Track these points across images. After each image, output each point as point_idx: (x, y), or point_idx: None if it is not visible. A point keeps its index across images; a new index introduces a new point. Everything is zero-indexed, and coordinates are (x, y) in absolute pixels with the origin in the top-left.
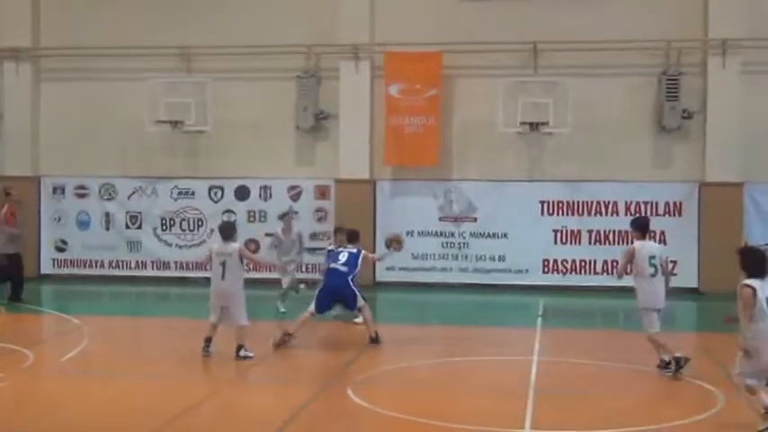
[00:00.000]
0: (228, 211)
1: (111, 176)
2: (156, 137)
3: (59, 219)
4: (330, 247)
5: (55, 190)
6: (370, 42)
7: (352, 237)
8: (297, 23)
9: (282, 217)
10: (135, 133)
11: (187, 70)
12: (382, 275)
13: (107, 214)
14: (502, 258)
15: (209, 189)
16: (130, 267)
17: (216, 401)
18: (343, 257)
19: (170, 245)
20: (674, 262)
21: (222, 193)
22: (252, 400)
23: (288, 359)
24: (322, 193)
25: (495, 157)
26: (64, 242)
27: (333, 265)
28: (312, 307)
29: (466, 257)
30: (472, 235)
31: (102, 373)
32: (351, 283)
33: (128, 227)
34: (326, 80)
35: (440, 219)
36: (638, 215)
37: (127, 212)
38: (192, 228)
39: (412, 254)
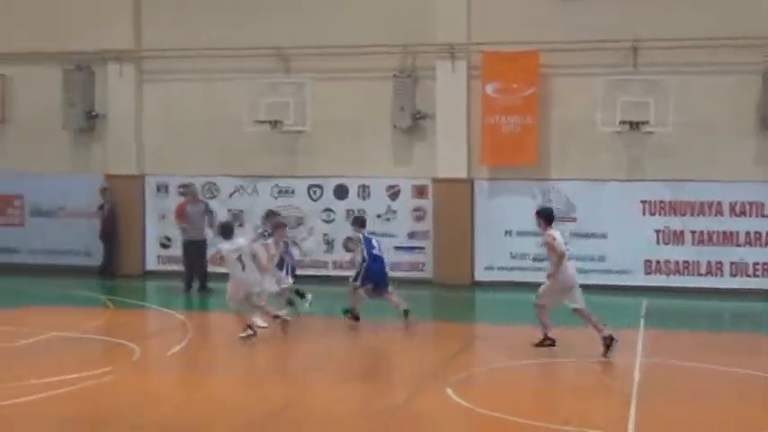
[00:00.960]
0: (328, 209)
1: (213, 175)
2: (255, 136)
3: (163, 216)
4: (360, 234)
5: (159, 188)
6: (467, 42)
7: (364, 223)
8: (393, 23)
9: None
10: (235, 133)
11: (286, 70)
12: (481, 275)
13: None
14: (602, 259)
15: (309, 188)
16: None
17: (307, 400)
18: (376, 244)
19: None
20: None
21: (321, 192)
22: (347, 400)
23: (377, 358)
24: (420, 192)
25: (594, 156)
26: (168, 239)
27: (376, 252)
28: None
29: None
30: (572, 234)
31: (203, 368)
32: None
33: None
34: (423, 80)
35: None
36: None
37: (229, 210)
38: (292, 226)
39: (510, 253)
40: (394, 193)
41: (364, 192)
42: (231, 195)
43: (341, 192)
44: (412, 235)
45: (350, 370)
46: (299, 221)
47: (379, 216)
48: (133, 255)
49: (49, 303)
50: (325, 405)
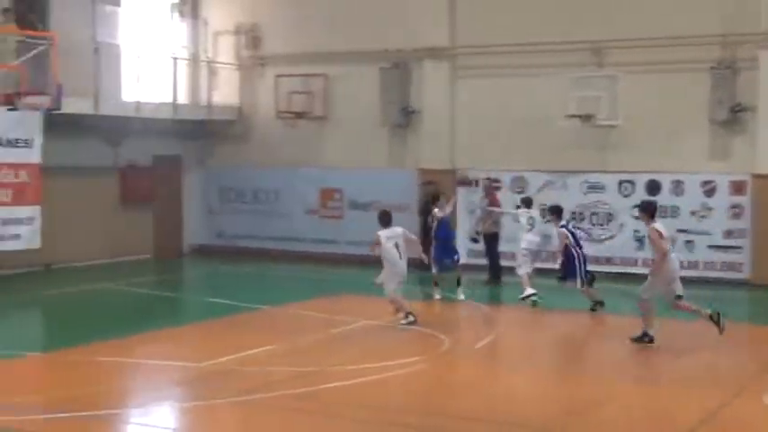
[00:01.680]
0: (638, 206)
1: (522, 170)
2: (566, 131)
3: (473, 211)
4: (440, 215)
5: (469, 183)
6: None
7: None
8: (711, 12)
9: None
10: (545, 128)
11: (598, 64)
12: None
13: (518, 207)
14: None
15: (619, 183)
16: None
17: (621, 399)
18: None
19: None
20: None
21: (632, 188)
22: (654, 402)
23: (689, 362)
24: (738, 188)
25: None
26: (478, 233)
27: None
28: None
29: None
30: None
31: (510, 363)
32: None
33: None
34: (744, 71)
35: None
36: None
37: (540, 205)
38: (601, 222)
39: None
40: (710, 190)
41: (678, 188)
42: (540, 190)
43: (652, 187)
44: (728, 233)
45: (659, 372)
46: (609, 218)
47: (693, 213)
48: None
49: (364, 292)
50: (629, 406)
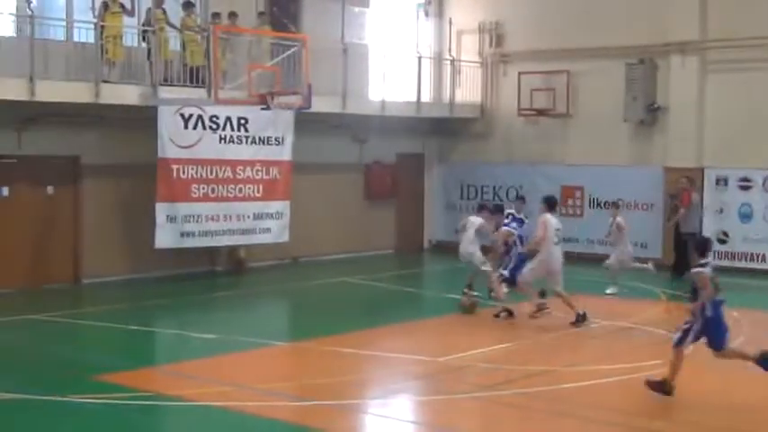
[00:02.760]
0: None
1: None
2: None
3: (721, 210)
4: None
5: (718, 181)
6: None
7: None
8: None
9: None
10: None
11: None
12: None
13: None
14: None
15: None
16: None
17: None
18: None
19: None
20: None
21: None
22: None
23: None
24: None
25: None
26: (725, 234)
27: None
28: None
29: None
30: None
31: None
32: None
33: None
34: None
35: None
36: None
37: None
38: None
39: None
40: None
41: None
42: None
43: None
44: None
45: None
46: None
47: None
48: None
49: (603, 292)
50: None
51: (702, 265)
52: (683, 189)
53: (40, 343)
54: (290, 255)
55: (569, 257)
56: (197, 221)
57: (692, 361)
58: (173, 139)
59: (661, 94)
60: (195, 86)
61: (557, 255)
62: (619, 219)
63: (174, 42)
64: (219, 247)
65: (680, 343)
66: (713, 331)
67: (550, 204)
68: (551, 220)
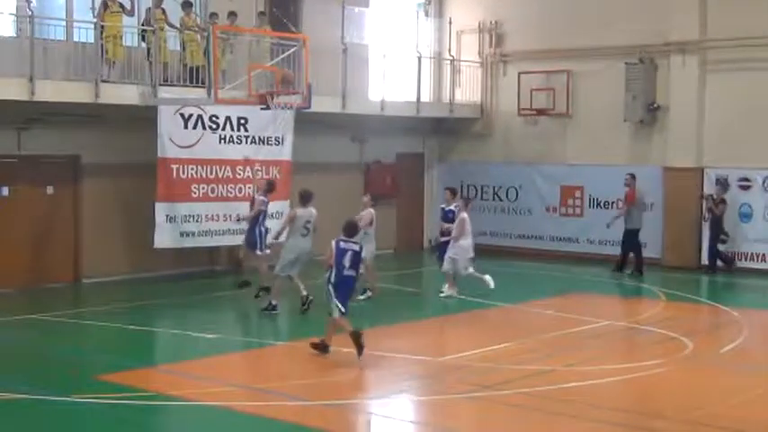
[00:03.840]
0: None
1: None
2: None
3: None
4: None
5: (717, 181)
6: None
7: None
8: None
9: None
10: None
11: None
12: None
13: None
14: None
15: None
16: None
17: None
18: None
19: None
20: None
21: None
22: None
23: None
24: None
25: None
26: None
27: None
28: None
29: None
30: None
31: (757, 369)
32: None
33: None
34: None
35: None
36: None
37: None
38: None
39: None
40: None
41: None
42: None
43: None
44: None
45: None
46: None
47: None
48: (687, 246)
49: (605, 292)
50: None
51: None
52: (627, 186)
53: (40, 343)
54: None
55: (569, 257)
56: (197, 221)
57: (695, 362)
58: (172, 138)
59: (661, 93)
60: (195, 86)
61: (302, 245)
62: (463, 214)
63: (173, 42)
64: (219, 246)
65: None
66: None
67: (304, 198)
68: (301, 212)
